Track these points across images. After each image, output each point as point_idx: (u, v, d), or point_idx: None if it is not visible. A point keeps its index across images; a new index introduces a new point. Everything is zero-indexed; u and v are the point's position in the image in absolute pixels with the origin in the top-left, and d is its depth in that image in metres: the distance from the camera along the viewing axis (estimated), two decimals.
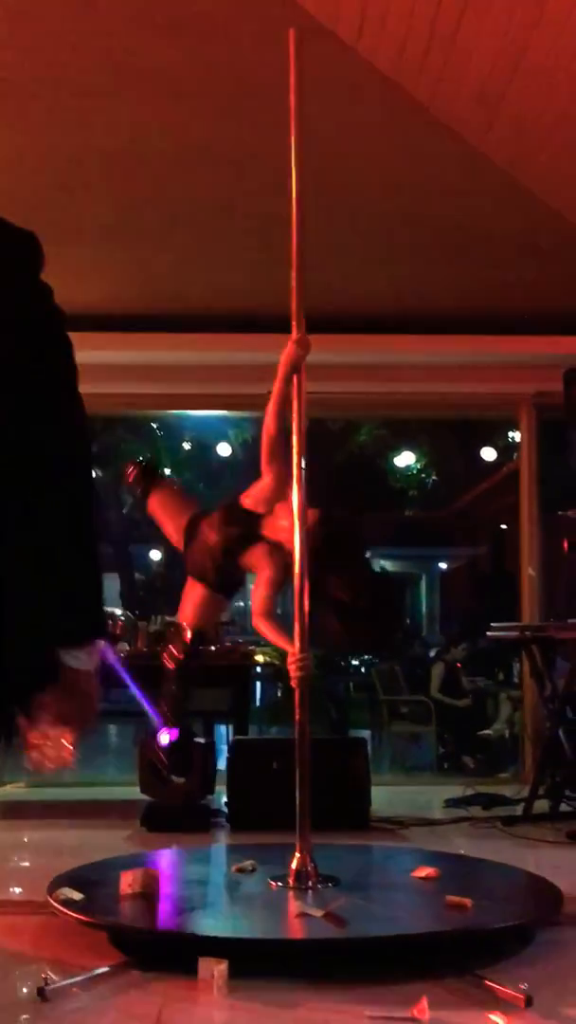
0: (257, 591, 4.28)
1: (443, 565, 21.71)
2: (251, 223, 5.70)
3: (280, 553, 4.20)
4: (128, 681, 5.90)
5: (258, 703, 10.30)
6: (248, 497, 4.37)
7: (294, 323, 4.11)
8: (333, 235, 5.58)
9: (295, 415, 4.06)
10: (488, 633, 6.56)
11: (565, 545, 6.83)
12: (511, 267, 6.37)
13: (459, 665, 9.30)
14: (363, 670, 14.82)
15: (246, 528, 4.34)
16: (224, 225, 5.82)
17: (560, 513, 6.77)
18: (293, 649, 3.94)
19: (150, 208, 5.72)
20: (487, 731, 8.91)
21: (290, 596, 4.06)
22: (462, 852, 4.51)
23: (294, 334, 4.09)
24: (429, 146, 4.99)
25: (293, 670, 3.92)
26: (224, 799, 5.67)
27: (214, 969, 2.97)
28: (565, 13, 3.89)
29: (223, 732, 8.55)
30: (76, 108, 4.77)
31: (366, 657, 16.28)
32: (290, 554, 4.03)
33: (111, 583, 19.04)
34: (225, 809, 5.64)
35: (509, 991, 2.85)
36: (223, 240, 6.00)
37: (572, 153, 4.87)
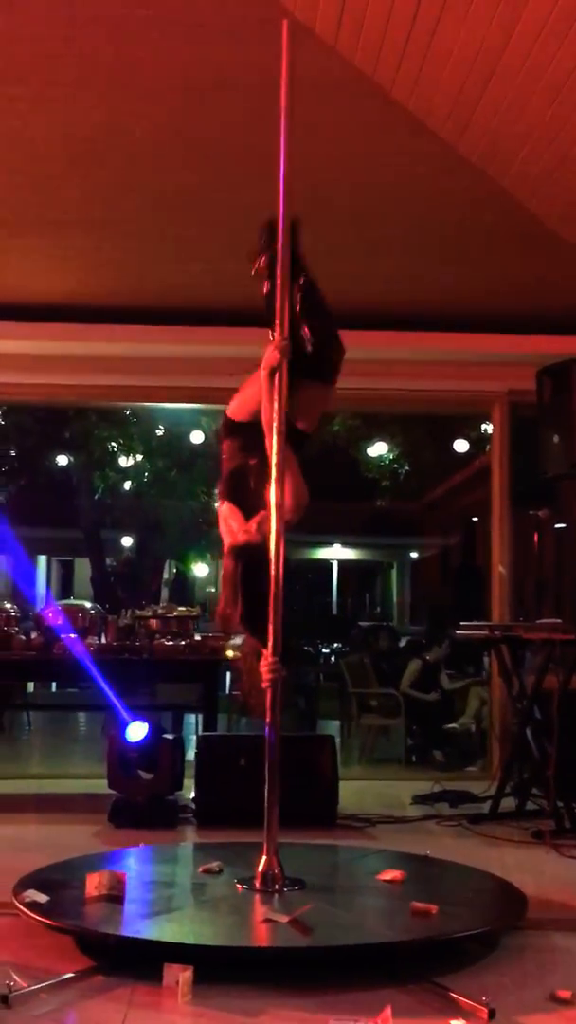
0: None
1: (414, 555, 21.80)
2: (220, 217, 5.66)
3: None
4: (97, 675, 5.89)
5: (227, 691, 10.27)
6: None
7: (277, 325, 4.02)
8: (310, 231, 5.53)
9: (275, 415, 4.01)
10: (457, 632, 6.57)
11: (536, 543, 6.85)
12: (486, 266, 6.37)
13: (430, 659, 9.31)
14: (333, 659, 14.82)
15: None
16: (194, 219, 5.78)
17: (531, 513, 6.78)
18: (266, 652, 3.92)
19: (122, 200, 5.67)
20: (454, 725, 8.94)
21: None
22: (428, 853, 4.52)
23: (277, 339, 4.01)
24: (406, 143, 4.97)
25: (266, 673, 3.91)
26: (192, 794, 5.67)
27: (179, 976, 2.97)
28: (541, 18, 3.88)
29: (192, 722, 8.55)
30: (46, 99, 4.71)
31: (336, 646, 16.30)
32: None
33: (83, 569, 18.98)
34: (193, 805, 5.64)
35: (472, 1003, 2.86)
36: (194, 234, 5.96)
37: (546, 156, 4.87)
